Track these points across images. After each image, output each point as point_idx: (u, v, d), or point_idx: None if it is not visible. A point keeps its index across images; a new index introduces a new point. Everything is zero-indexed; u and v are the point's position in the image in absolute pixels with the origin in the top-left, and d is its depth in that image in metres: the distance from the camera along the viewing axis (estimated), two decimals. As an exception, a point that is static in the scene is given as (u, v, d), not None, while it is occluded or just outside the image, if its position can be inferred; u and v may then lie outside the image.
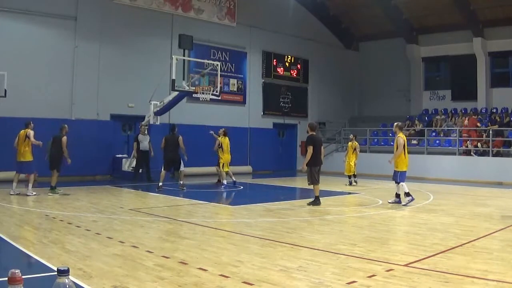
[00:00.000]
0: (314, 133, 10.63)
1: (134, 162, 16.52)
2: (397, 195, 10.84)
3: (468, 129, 19.57)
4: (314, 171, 10.35)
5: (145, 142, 16.12)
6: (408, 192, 10.53)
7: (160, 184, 13.14)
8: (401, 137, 10.77)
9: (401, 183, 10.73)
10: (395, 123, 11.22)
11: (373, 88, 25.90)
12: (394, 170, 10.86)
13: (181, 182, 13.66)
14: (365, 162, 21.08)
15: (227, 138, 15.19)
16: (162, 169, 13.50)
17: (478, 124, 19.72)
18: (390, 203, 10.84)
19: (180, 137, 13.61)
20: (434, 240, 6.75)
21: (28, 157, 11.45)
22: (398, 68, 24.80)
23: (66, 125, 12.19)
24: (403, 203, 10.58)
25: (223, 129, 15.56)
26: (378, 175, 19.43)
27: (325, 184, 14.86)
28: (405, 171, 10.83)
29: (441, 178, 18.29)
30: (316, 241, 6.70)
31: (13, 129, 14.51)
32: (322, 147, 10.80)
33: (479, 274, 4.93)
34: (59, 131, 11.99)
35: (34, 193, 11.31)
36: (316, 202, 10.31)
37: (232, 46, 21.17)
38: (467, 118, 20.02)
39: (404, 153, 10.74)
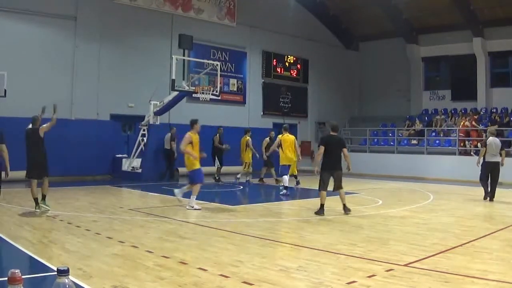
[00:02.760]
0: (334, 134, 9.48)
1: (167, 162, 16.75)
2: (285, 187, 12.43)
3: (466, 129, 19.55)
4: (323, 176, 9.19)
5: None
6: (287, 187, 12.48)
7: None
8: (279, 137, 13.21)
9: (284, 176, 12.58)
10: (284, 125, 13.74)
11: (373, 88, 25.90)
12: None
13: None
14: (365, 162, 21.11)
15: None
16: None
17: (474, 123, 19.61)
18: (281, 195, 12.30)
19: (215, 136, 16.10)
20: (434, 240, 6.75)
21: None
22: (398, 68, 24.80)
23: (39, 116, 9.25)
24: (280, 193, 12.45)
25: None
26: (378, 175, 19.45)
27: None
28: (285, 165, 12.79)
29: (441, 178, 18.28)
30: (316, 241, 6.70)
31: (13, 129, 14.52)
32: (344, 150, 9.31)
33: (479, 274, 4.93)
34: (32, 123, 9.12)
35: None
36: (319, 211, 9.10)
37: (232, 46, 21.17)
38: (466, 120, 19.96)
39: (283, 150, 12.81)
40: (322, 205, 9.11)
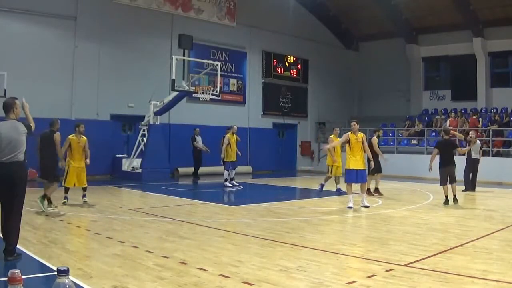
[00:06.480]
0: (446, 138, 11.17)
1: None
2: (232, 179, 14.93)
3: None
4: (440, 172, 10.75)
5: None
6: (232, 179, 15.00)
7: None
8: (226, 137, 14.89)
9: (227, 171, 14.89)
10: (234, 126, 15.34)
11: (373, 88, 25.86)
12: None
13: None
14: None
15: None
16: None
17: (478, 126, 19.66)
18: (229, 186, 14.55)
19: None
20: (434, 240, 6.75)
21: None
22: (398, 68, 24.77)
23: (58, 120, 9.99)
24: (229, 185, 14.58)
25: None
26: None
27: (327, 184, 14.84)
28: (228, 162, 14.77)
29: (441, 178, 18.24)
30: (316, 241, 6.70)
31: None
32: (457, 149, 11.43)
33: (479, 274, 4.93)
34: (49, 126, 9.71)
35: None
36: (445, 201, 10.51)
37: (232, 46, 21.17)
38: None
39: (231, 148, 14.74)
40: (446, 197, 10.53)
